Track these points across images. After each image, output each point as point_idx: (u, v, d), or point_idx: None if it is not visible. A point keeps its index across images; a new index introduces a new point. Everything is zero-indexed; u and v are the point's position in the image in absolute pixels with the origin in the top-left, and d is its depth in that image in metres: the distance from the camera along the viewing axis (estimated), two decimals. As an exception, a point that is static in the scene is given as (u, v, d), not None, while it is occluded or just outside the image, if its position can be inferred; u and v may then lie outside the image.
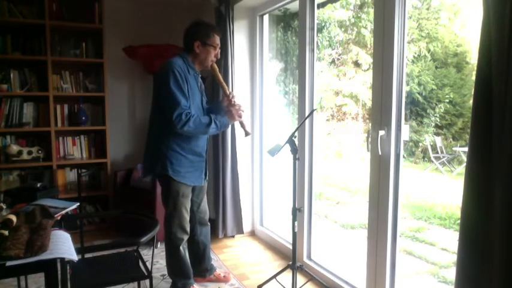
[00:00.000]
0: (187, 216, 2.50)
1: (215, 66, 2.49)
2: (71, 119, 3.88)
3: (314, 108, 2.91)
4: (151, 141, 2.47)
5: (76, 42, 3.82)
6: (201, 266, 2.75)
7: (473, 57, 8.55)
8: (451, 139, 8.79)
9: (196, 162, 2.46)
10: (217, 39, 2.41)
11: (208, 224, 2.76)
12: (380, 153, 2.18)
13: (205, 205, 2.71)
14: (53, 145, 3.71)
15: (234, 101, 2.48)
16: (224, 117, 2.42)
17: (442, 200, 5.70)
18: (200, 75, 2.51)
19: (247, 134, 2.52)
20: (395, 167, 2.16)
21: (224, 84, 2.56)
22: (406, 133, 2.22)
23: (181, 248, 2.49)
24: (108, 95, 3.88)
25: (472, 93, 1.42)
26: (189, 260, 2.58)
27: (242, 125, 2.51)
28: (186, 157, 2.40)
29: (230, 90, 2.51)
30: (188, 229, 2.52)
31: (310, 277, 2.66)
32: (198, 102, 2.43)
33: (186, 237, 2.51)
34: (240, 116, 2.47)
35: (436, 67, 8.83)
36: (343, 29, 8.58)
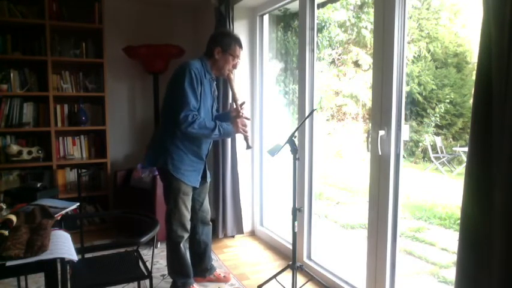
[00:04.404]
0: (187, 214, 2.51)
1: (231, 76, 2.55)
2: (71, 119, 3.88)
3: (314, 108, 2.91)
4: (158, 135, 2.52)
5: (76, 42, 3.82)
6: (201, 266, 2.75)
7: (473, 57, 8.55)
8: (451, 139, 8.79)
9: (195, 163, 2.49)
10: (238, 51, 2.47)
11: (210, 223, 2.78)
12: (380, 153, 2.18)
13: (207, 204, 2.72)
14: (53, 145, 3.71)
15: (242, 113, 2.51)
16: (229, 125, 2.46)
17: (442, 200, 5.70)
18: (215, 82, 2.56)
19: (248, 147, 2.58)
20: (395, 167, 2.16)
21: (237, 95, 2.60)
22: (406, 133, 2.22)
23: (181, 245, 2.50)
24: (108, 95, 3.88)
25: (472, 93, 1.42)
26: (189, 259, 2.59)
27: (245, 137, 2.55)
28: (188, 156, 2.43)
29: (241, 102, 2.57)
30: (189, 227, 2.53)
31: (310, 277, 2.66)
32: (209, 107, 2.47)
33: (186, 235, 2.52)
34: (243, 130, 2.50)
35: (436, 67, 8.83)
36: (343, 29, 8.58)
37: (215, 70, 2.48)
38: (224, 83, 3.34)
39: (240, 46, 2.50)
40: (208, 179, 2.68)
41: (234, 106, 2.57)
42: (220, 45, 2.42)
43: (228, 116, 2.60)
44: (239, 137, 3.49)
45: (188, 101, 2.27)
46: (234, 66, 2.51)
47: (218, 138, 2.54)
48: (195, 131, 2.30)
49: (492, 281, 1.37)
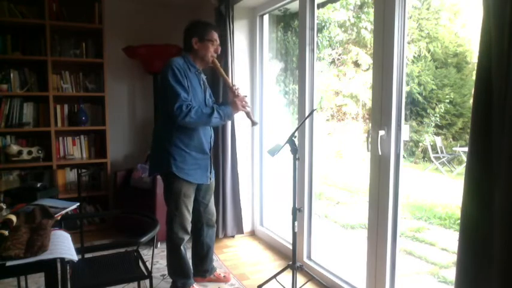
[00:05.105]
0: (189, 217, 2.50)
1: (216, 61, 2.51)
2: (71, 119, 3.88)
3: (314, 108, 2.91)
4: (156, 140, 2.48)
5: (76, 42, 3.82)
6: (202, 267, 2.75)
7: (473, 57, 8.55)
8: (451, 139, 8.79)
9: (200, 159, 2.46)
10: (214, 35, 2.44)
11: (215, 225, 2.77)
12: (380, 153, 2.18)
13: (212, 206, 2.69)
14: (53, 145, 3.71)
15: (238, 93, 2.50)
16: (228, 107, 2.42)
17: (442, 200, 5.70)
18: (202, 74, 2.53)
19: (254, 123, 2.54)
20: (395, 167, 2.16)
21: (227, 78, 2.59)
22: (406, 133, 2.22)
23: (182, 247, 2.49)
24: (108, 95, 3.88)
25: (472, 93, 1.42)
26: (189, 260, 2.59)
27: (248, 115, 2.52)
28: (190, 154, 2.40)
29: (233, 83, 2.54)
30: (189, 229, 2.52)
31: (310, 277, 2.66)
32: (201, 99, 2.43)
33: (187, 237, 2.51)
34: (244, 107, 2.47)
35: (436, 67, 8.83)
36: (343, 29, 8.58)
37: (199, 62, 2.45)
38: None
39: (215, 29, 2.47)
40: (212, 178, 2.63)
41: (229, 89, 2.54)
42: (196, 35, 2.40)
43: (226, 102, 2.58)
44: (239, 132, 3.52)
45: (178, 93, 2.25)
46: (216, 51, 2.47)
47: (220, 123, 2.48)
48: (194, 120, 2.27)
49: (492, 281, 1.37)
